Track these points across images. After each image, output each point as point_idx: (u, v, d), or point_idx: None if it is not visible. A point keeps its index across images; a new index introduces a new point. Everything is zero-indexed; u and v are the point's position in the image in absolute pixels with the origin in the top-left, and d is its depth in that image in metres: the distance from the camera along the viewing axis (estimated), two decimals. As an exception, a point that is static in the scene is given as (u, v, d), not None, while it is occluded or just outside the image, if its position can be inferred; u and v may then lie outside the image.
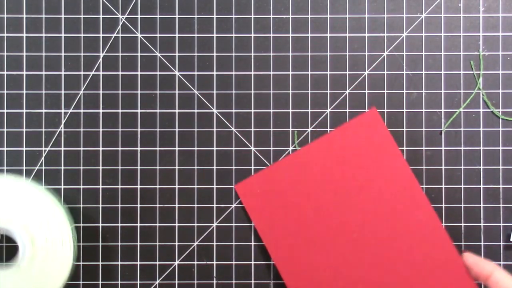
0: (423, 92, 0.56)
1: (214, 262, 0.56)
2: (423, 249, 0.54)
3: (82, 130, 0.56)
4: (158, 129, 0.56)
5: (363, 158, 0.54)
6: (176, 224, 0.56)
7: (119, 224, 0.56)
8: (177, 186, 0.56)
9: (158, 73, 0.56)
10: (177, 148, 0.56)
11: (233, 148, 0.56)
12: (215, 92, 0.56)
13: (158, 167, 0.56)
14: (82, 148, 0.56)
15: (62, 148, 0.56)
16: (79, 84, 0.56)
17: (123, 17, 0.56)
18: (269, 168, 0.54)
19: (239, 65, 0.56)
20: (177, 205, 0.56)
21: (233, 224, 0.56)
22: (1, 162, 0.55)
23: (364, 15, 0.56)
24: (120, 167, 0.56)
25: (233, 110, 0.56)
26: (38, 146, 0.56)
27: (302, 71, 0.56)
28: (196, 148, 0.56)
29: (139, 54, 0.56)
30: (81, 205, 0.56)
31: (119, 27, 0.56)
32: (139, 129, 0.56)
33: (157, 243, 0.56)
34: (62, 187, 0.56)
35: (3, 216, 0.51)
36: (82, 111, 0.56)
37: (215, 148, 0.56)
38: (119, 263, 0.56)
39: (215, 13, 0.56)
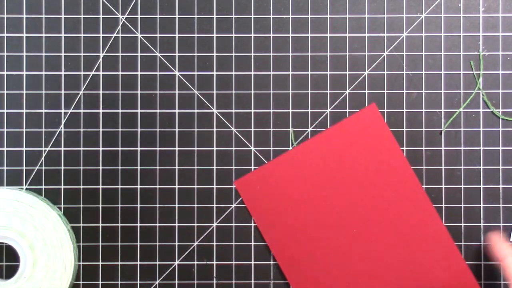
0: (423, 92, 0.56)
1: (214, 262, 0.56)
2: (423, 245, 0.54)
3: (82, 130, 0.56)
4: (158, 129, 0.56)
5: (362, 154, 0.54)
6: (176, 224, 0.56)
7: (119, 224, 0.56)
8: (177, 186, 0.56)
9: (158, 73, 0.56)
10: (177, 148, 0.56)
11: (233, 148, 0.56)
12: (215, 92, 0.56)
13: (158, 167, 0.56)
14: (82, 148, 0.56)
15: (62, 148, 0.56)
16: (79, 84, 0.56)
17: (123, 17, 0.56)
18: (268, 164, 0.54)
19: (239, 65, 0.56)
20: (177, 205, 0.56)
21: (233, 224, 0.56)
22: (1, 162, 0.55)
23: (364, 15, 0.56)
24: (120, 167, 0.56)
25: (233, 110, 0.56)
26: (38, 146, 0.56)
27: (302, 71, 0.56)
28: (196, 148, 0.56)
29: (139, 54, 0.56)
30: (81, 205, 0.56)
31: (119, 27, 0.56)
32: (139, 129, 0.56)
33: (157, 243, 0.56)
34: (62, 187, 0.56)
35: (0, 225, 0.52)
36: (82, 111, 0.56)
37: (215, 148, 0.56)
38: (119, 263, 0.56)
39: (215, 13, 0.56)
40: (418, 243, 0.54)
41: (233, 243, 0.56)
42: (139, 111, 0.56)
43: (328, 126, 0.56)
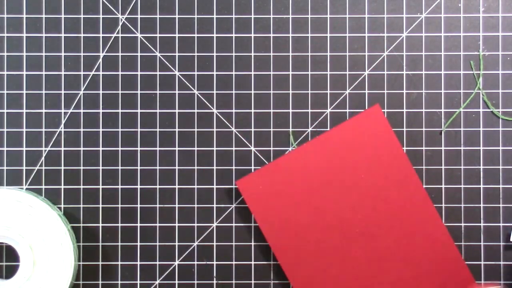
0: (423, 92, 0.56)
1: (214, 262, 0.56)
2: (423, 245, 0.54)
3: (82, 130, 0.56)
4: (158, 129, 0.56)
5: (365, 155, 0.54)
6: (176, 224, 0.56)
7: (119, 224, 0.56)
8: (177, 186, 0.56)
9: (158, 73, 0.56)
10: (177, 148, 0.56)
11: (233, 148, 0.56)
12: (215, 92, 0.56)
13: (158, 167, 0.56)
14: (82, 148, 0.56)
15: (62, 148, 0.56)
16: (79, 84, 0.56)
17: (123, 17, 0.56)
18: (271, 164, 0.54)
19: (239, 65, 0.56)
20: (177, 205, 0.56)
21: (233, 224, 0.56)
22: (1, 162, 0.56)
23: (364, 15, 0.56)
24: (120, 167, 0.56)
25: (233, 110, 0.56)
26: (38, 146, 0.56)
27: (302, 71, 0.56)
28: (196, 148, 0.56)
29: (139, 54, 0.56)
30: (81, 205, 0.56)
31: (119, 27, 0.56)
32: (139, 129, 0.56)
33: (157, 243, 0.56)
34: (62, 187, 0.56)
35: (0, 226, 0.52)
36: (82, 111, 0.56)
37: (215, 148, 0.56)
38: (119, 263, 0.56)
39: (215, 13, 0.56)
40: (418, 243, 0.54)
41: (233, 243, 0.56)
42: (139, 111, 0.56)
43: (328, 126, 0.56)
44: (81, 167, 0.56)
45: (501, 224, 0.56)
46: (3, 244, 0.55)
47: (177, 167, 0.56)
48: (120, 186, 0.56)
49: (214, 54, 0.56)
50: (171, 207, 0.56)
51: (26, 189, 0.55)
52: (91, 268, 0.55)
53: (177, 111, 0.56)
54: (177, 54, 0.56)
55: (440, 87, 0.56)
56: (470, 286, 0.54)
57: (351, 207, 0.54)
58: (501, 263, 0.55)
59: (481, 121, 0.56)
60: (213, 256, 0.56)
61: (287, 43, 0.56)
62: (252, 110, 0.56)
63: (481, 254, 0.55)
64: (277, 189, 0.54)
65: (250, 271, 0.56)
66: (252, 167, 0.56)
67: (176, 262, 0.56)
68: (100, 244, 0.56)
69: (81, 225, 0.56)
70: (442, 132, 0.56)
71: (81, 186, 0.56)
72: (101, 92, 0.56)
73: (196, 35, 0.56)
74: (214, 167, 0.56)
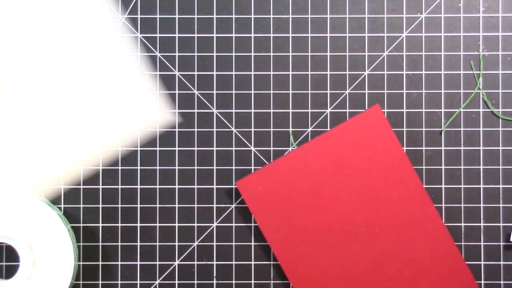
0: (423, 92, 0.56)
1: (214, 262, 0.56)
2: (423, 245, 0.54)
3: (82, 130, 0.56)
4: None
5: (365, 155, 0.54)
6: (176, 224, 0.56)
7: (119, 224, 0.56)
8: (177, 186, 0.56)
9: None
10: (177, 148, 0.56)
11: (233, 148, 0.56)
12: (215, 92, 0.56)
13: (158, 167, 0.56)
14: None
15: (62, 148, 0.56)
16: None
17: (123, 17, 0.56)
18: (271, 165, 0.54)
19: (239, 65, 0.56)
20: (177, 205, 0.56)
21: (233, 224, 0.56)
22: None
23: (364, 15, 0.56)
24: (120, 167, 0.56)
25: (233, 110, 0.56)
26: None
27: (302, 71, 0.56)
28: (196, 148, 0.56)
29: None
30: (81, 205, 0.56)
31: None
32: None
33: (157, 243, 0.56)
34: (62, 187, 0.56)
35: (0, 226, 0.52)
36: (82, 111, 0.56)
37: (215, 148, 0.56)
38: (119, 263, 0.56)
39: (215, 13, 0.56)
40: (418, 243, 0.54)
41: (233, 243, 0.56)
42: (139, 111, 0.56)
43: (328, 126, 0.56)
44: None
45: (501, 224, 0.56)
46: (3, 244, 0.55)
47: (177, 167, 0.56)
48: (120, 186, 0.56)
49: (214, 54, 0.56)
50: (171, 207, 0.56)
51: (26, 189, 0.55)
52: (91, 268, 0.55)
53: (177, 111, 0.56)
54: (177, 54, 0.56)
55: (440, 87, 0.56)
56: None
57: (351, 207, 0.54)
58: (501, 263, 0.55)
59: (481, 121, 0.56)
60: (213, 256, 0.56)
61: (287, 43, 0.56)
62: (252, 110, 0.56)
63: (481, 254, 0.55)
64: (277, 189, 0.54)
65: (250, 271, 0.56)
66: (252, 167, 0.56)
67: (176, 262, 0.56)
68: (100, 244, 0.56)
69: (81, 225, 0.56)
70: (442, 132, 0.56)
71: (81, 186, 0.56)
72: (101, 92, 0.56)
73: (196, 35, 0.56)
74: (214, 167, 0.56)
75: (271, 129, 0.56)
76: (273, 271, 0.56)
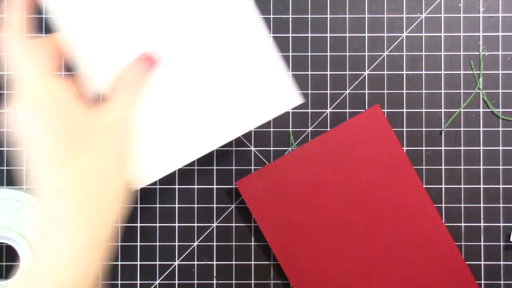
0: (423, 92, 0.56)
1: (214, 262, 0.56)
2: (423, 245, 0.54)
3: (82, 130, 0.56)
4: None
5: (365, 155, 0.54)
6: (176, 224, 0.56)
7: (119, 224, 0.56)
8: (177, 186, 0.56)
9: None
10: (177, 148, 0.56)
11: (233, 148, 0.56)
12: (215, 92, 0.56)
13: (158, 167, 0.56)
14: (82, 148, 0.56)
15: (62, 148, 0.56)
16: (79, 84, 0.56)
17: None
18: (270, 165, 0.54)
19: (239, 65, 0.56)
20: (177, 205, 0.56)
21: (233, 224, 0.56)
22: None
23: (364, 15, 0.56)
24: (120, 167, 0.56)
25: (233, 110, 0.56)
26: (38, 146, 0.56)
27: (302, 71, 0.56)
28: (196, 148, 0.56)
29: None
30: (81, 205, 0.56)
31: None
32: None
33: (157, 243, 0.56)
34: (62, 187, 0.56)
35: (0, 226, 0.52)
36: (82, 111, 0.56)
37: (215, 148, 0.56)
38: (119, 263, 0.56)
39: (215, 13, 0.56)
40: (418, 243, 0.54)
41: (233, 243, 0.56)
42: (139, 111, 0.56)
43: (328, 126, 0.56)
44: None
45: (501, 224, 0.56)
46: (3, 244, 0.55)
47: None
48: (120, 186, 0.56)
49: (214, 54, 0.56)
50: (171, 207, 0.56)
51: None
52: (91, 268, 0.55)
53: (177, 111, 0.56)
54: (177, 54, 0.56)
55: (440, 87, 0.56)
56: None
57: (351, 207, 0.54)
58: (501, 263, 0.55)
59: (481, 121, 0.56)
60: (213, 256, 0.56)
61: (287, 43, 0.56)
62: (252, 110, 0.56)
63: (481, 254, 0.55)
64: (277, 189, 0.54)
65: (250, 271, 0.56)
66: (252, 167, 0.56)
67: (176, 262, 0.56)
68: (100, 244, 0.56)
69: (81, 225, 0.55)
70: (442, 132, 0.56)
71: (81, 186, 0.56)
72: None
73: (196, 35, 0.56)
74: (214, 167, 0.56)
75: (271, 129, 0.56)
76: (273, 271, 0.56)
